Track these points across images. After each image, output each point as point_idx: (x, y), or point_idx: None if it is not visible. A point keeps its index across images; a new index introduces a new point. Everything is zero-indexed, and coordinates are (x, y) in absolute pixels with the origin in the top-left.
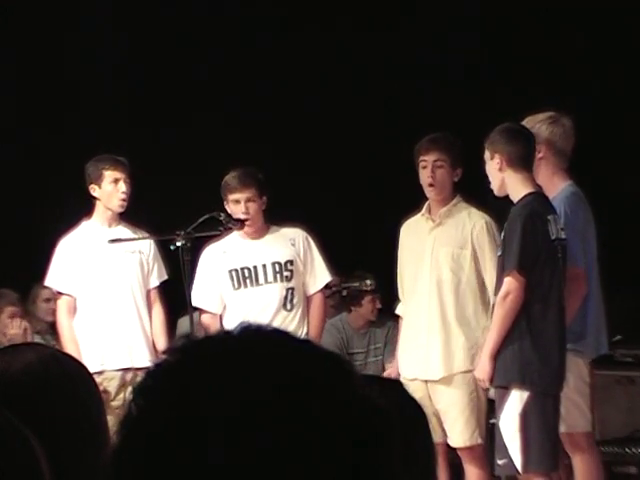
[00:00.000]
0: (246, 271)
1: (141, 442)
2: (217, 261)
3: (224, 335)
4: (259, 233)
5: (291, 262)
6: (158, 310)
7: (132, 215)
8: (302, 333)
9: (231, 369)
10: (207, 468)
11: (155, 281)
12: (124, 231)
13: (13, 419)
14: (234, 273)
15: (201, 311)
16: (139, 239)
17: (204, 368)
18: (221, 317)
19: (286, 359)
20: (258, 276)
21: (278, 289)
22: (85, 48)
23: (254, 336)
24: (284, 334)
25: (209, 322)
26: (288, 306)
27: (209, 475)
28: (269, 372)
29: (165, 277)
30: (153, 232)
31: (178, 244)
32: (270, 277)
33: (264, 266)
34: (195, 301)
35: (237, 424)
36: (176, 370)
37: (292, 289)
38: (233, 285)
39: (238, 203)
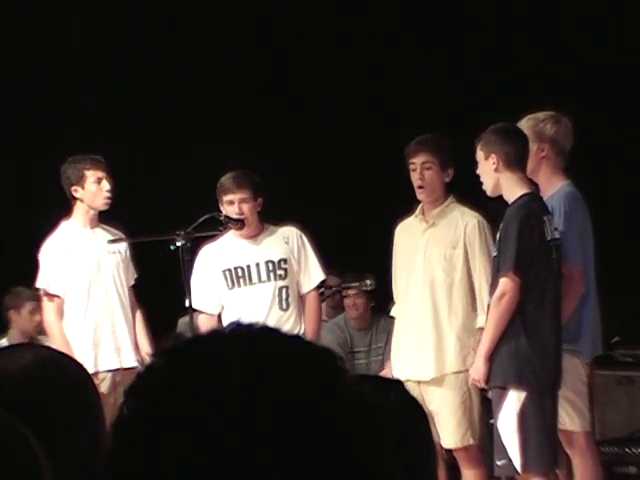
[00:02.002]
0: (240, 270)
1: (132, 444)
2: (212, 262)
3: (212, 334)
4: (254, 232)
5: (285, 260)
6: (138, 309)
7: (132, 215)
8: (299, 332)
9: (219, 368)
10: (196, 468)
11: (132, 280)
12: (102, 232)
13: (12, 419)
14: (228, 273)
15: (199, 312)
16: (139, 240)
17: (192, 368)
18: (220, 317)
19: (274, 357)
20: (252, 275)
21: (272, 288)
22: (84, 47)
23: (243, 334)
24: (274, 331)
25: (206, 323)
26: (284, 305)
27: (198, 475)
28: (257, 371)
29: (136, 276)
30: (153, 232)
31: (178, 244)
32: (264, 276)
33: (257, 265)
34: (196, 304)
35: (224, 424)
36: (165, 371)
37: (286, 287)
38: (227, 285)
39: (232, 204)
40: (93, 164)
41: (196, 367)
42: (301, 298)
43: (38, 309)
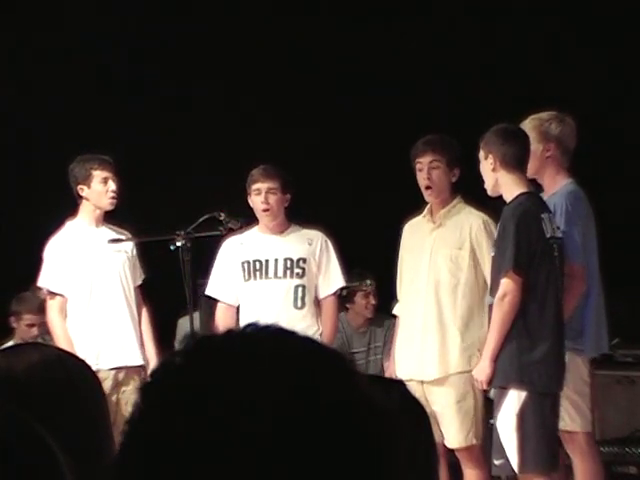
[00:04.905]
0: (257, 263)
1: (143, 442)
2: (234, 252)
3: (227, 335)
4: (278, 228)
5: (304, 260)
6: (144, 308)
7: (132, 215)
8: (314, 333)
9: (232, 369)
10: (207, 469)
11: (139, 279)
12: (108, 231)
13: (29, 420)
14: (246, 265)
15: (217, 302)
16: (139, 239)
17: (206, 368)
18: (238, 309)
19: (288, 359)
20: (268, 270)
21: (286, 285)
22: (85, 45)
23: (257, 335)
24: (288, 333)
25: (224, 313)
26: (298, 303)
27: (212, 475)
28: (270, 372)
29: (143, 276)
30: (153, 232)
31: (178, 244)
32: (280, 272)
33: (276, 260)
34: (211, 291)
35: (237, 424)
36: (179, 371)
37: (303, 287)
38: (244, 276)
39: (259, 193)
40: (100, 164)
41: (212, 368)
42: (318, 302)
43: (36, 322)
